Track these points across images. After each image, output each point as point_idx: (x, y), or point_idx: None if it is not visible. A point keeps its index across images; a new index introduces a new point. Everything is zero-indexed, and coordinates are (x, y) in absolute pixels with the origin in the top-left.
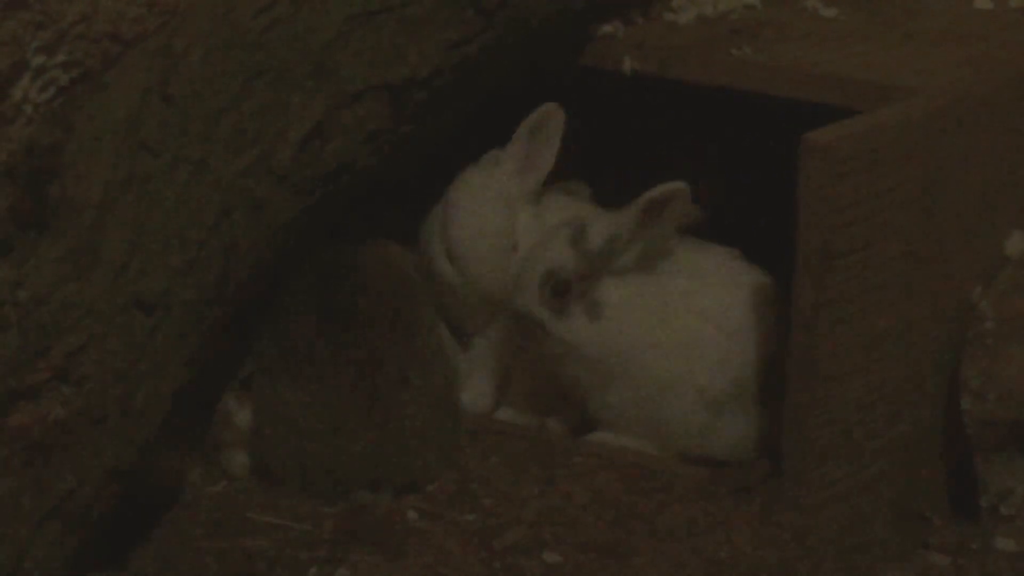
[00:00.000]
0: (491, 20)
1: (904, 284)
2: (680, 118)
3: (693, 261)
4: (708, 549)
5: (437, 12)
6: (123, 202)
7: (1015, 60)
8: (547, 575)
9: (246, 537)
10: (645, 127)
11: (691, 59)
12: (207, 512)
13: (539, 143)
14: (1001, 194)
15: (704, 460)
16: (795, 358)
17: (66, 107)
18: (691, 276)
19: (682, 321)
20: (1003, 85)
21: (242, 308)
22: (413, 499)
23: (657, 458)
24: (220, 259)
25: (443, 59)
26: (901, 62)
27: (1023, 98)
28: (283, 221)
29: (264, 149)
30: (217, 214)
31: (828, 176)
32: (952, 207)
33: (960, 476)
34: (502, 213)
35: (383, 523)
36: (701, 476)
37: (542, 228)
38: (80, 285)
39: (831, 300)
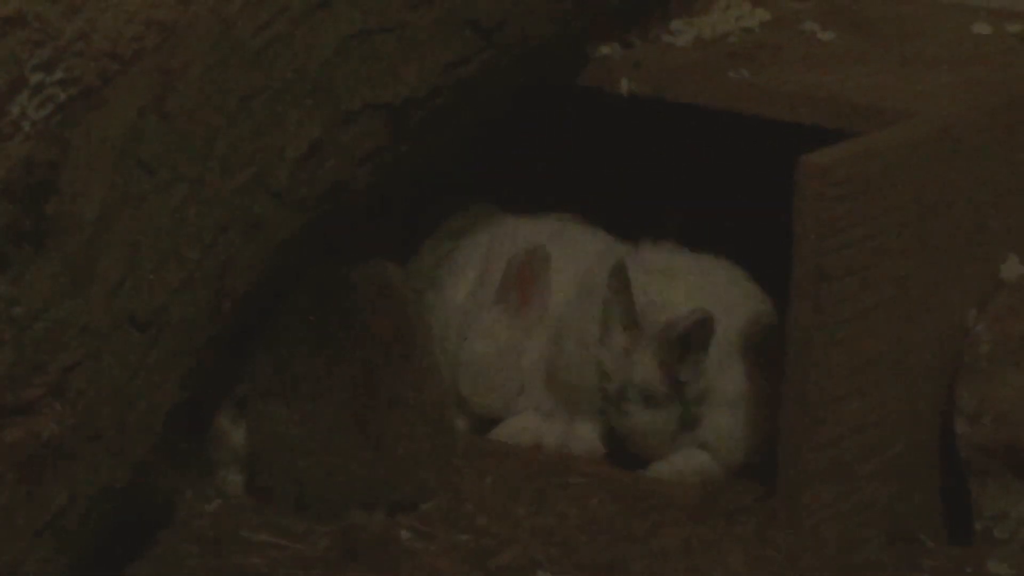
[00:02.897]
0: (490, 40)
1: (899, 307)
2: (677, 140)
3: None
4: (702, 570)
5: (436, 32)
6: (119, 219)
7: (1013, 84)
8: None
9: (240, 555)
10: (642, 149)
11: (688, 81)
12: (201, 530)
13: (529, 283)
14: (997, 218)
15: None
16: (789, 380)
17: (64, 124)
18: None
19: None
20: (1000, 109)
21: (238, 326)
22: (407, 518)
23: (651, 479)
24: (216, 277)
25: (441, 79)
26: (898, 85)
27: (1020, 122)
28: (280, 239)
29: (261, 167)
30: (214, 232)
31: (824, 198)
32: (948, 230)
33: (954, 499)
34: (511, 369)
35: (377, 542)
36: (695, 497)
37: (551, 343)
38: (76, 302)
39: (826, 322)
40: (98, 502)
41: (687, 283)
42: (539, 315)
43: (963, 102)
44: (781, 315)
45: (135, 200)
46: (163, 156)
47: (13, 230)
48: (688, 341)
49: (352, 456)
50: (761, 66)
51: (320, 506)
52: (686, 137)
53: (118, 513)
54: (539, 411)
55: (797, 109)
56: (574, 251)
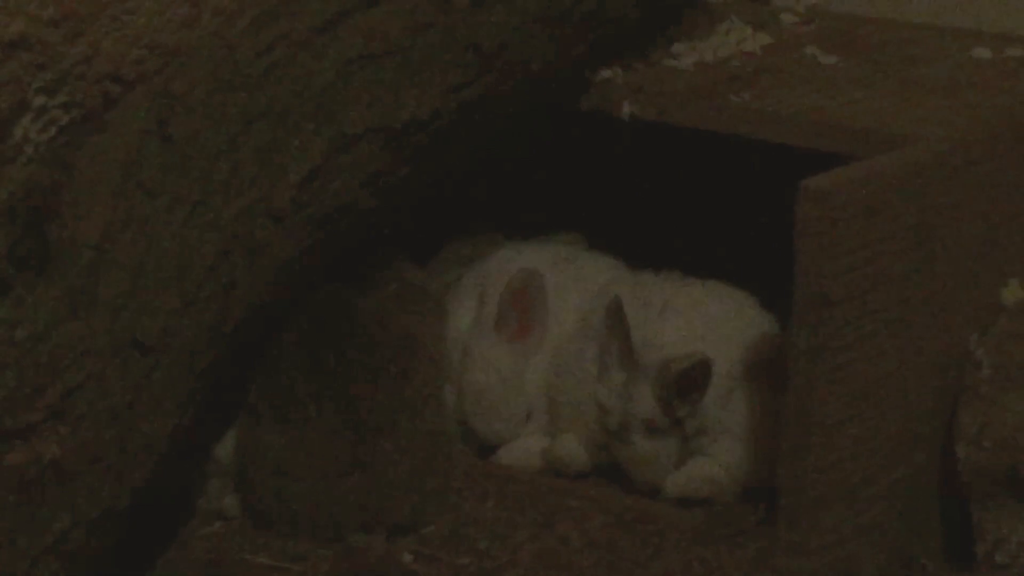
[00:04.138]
0: (491, 64)
1: (901, 331)
2: (678, 164)
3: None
4: None
5: (437, 56)
6: (121, 242)
7: (1013, 108)
8: None
9: None
10: (643, 172)
11: (690, 104)
12: (201, 553)
13: (527, 309)
14: (998, 243)
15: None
16: (791, 403)
17: (66, 147)
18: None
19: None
20: (1001, 133)
21: (240, 349)
22: (408, 541)
23: (653, 502)
24: (218, 300)
25: (443, 102)
26: (899, 109)
27: (1021, 146)
28: (281, 262)
29: (263, 191)
30: (215, 255)
31: (825, 222)
32: (949, 255)
33: (956, 523)
34: (515, 395)
35: (379, 565)
36: (696, 520)
37: (551, 376)
38: (78, 325)
39: (828, 346)
40: (99, 525)
41: (685, 319)
42: (540, 339)
43: (964, 126)
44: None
45: (137, 223)
46: (165, 179)
47: (15, 253)
48: (684, 383)
49: (340, 481)
50: (763, 90)
51: (311, 529)
52: (687, 161)
53: (119, 535)
54: (542, 433)
55: (798, 133)
56: (578, 279)
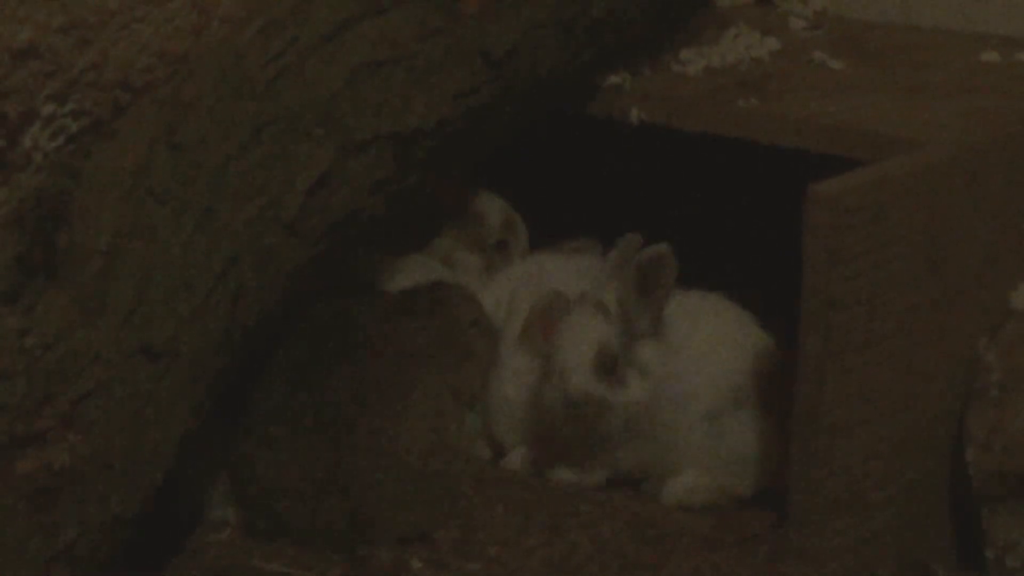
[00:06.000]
0: (499, 71)
1: (909, 335)
2: (687, 169)
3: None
4: None
5: (445, 62)
6: (130, 250)
7: (1022, 112)
8: None
9: None
10: (651, 177)
11: (698, 110)
12: (212, 560)
13: (551, 326)
14: (1007, 246)
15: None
16: (801, 408)
17: (75, 155)
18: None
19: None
20: (1009, 137)
21: (249, 356)
22: (418, 548)
23: (662, 507)
24: (227, 307)
25: (450, 109)
26: (908, 114)
27: None
28: (290, 269)
29: (272, 198)
30: (224, 262)
31: (834, 227)
32: (958, 259)
33: (966, 527)
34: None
35: (389, 572)
36: (706, 526)
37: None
38: (87, 332)
39: (837, 351)
40: (109, 531)
41: (666, 346)
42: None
43: (972, 130)
44: (788, 343)
45: (146, 231)
46: (174, 187)
47: (25, 261)
48: (647, 276)
49: (321, 502)
50: (771, 95)
51: (302, 543)
52: (696, 165)
53: (129, 542)
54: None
55: (807, 137)
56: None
